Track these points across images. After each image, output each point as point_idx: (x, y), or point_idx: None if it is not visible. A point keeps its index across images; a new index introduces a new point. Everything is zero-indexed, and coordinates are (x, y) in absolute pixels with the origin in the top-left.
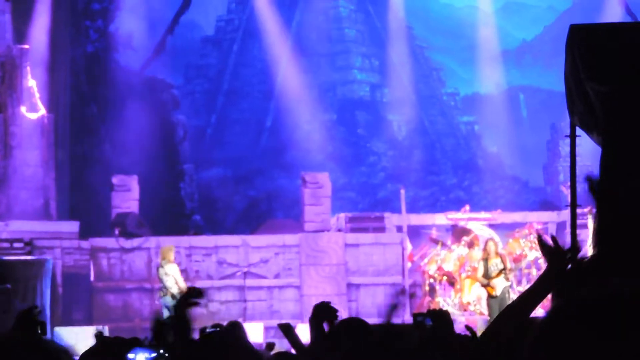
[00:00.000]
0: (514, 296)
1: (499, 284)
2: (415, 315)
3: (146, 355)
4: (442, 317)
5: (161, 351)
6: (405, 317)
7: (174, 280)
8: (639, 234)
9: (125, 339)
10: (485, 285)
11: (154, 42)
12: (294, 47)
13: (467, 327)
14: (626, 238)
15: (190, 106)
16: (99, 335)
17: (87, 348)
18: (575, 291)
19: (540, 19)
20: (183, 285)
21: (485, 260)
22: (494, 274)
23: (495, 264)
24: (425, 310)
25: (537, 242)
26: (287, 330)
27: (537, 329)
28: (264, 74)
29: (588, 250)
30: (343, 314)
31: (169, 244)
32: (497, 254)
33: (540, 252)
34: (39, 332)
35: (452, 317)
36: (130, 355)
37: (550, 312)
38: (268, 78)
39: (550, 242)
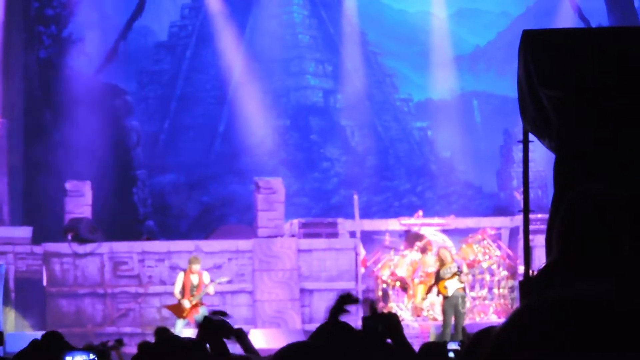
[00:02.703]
0: (467, 302)
1: (452, 285)
2: (364, 319)
3: (84, 357)
4: (391, 320)
5: (91, 355)
6: (358, 322)
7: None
8: (594, 239)
9: (57, 342)
10: (438, 287)
11: (107, 48)
12: (247, 52)
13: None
14: (580, 243)
15: (143, 112)
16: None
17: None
18: (536, 296)
19: (493, 24)
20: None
21: (440, 266)
22: (447, 276)
23: (449, 268)
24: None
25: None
26: (240, 336)
27: (496, 335)
28: (217, 79)
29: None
30: (296, 320)
31: (125, 249)
32: (452, 260)
33: (491, 258)
34: None
35: (405, 322)
36: (67, 358)
37: (511, 317)
38: (221, 84)
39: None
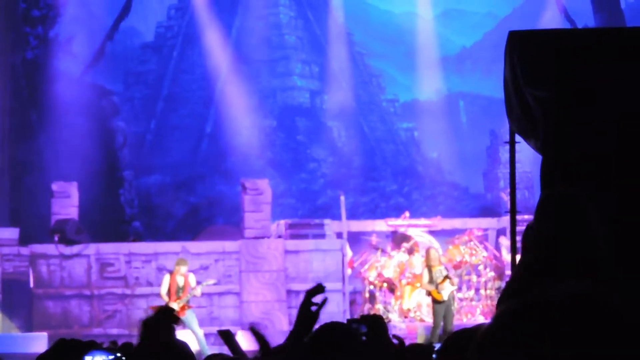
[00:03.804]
0: (455, 303)
1: (446, 289)
2: (349, 322)
3: (104, 357)
4: (376, 323)
5: (118, 354)
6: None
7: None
8: (580, 238)
9: (82, 341)
10: (431, 291)
11: (93, 49)
12: (233, 53)
13: (395, 336)
14: (557, 244)
15: (129, 112)
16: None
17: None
18: (522, 295)
19: (480, 25)
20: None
21: (429, 267)
22: (439, 280)
23: (440, 271)
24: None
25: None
26: (227, 337)
27: (483, 334)
28: (203, 80)
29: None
30: (283, 321)
31: (112, 250)
32: (440, 261)
33: (479, 259)
34: None
35: (393, 323)
36: (87, 358)
37: (498, 316)
38: (208, 84)
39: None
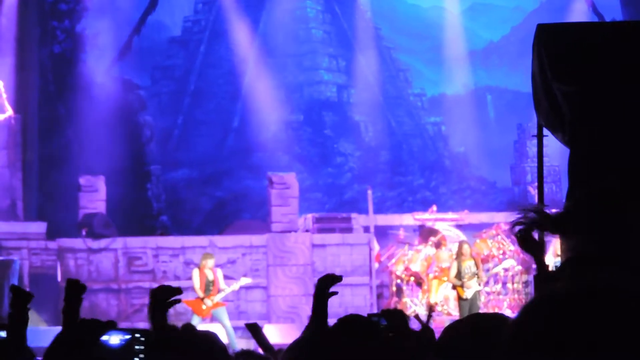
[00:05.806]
0: (482, 297)
1: (472, 288)
2: (369, 316)
3: (120, 337)
4: (396, 316)
5: (136, 335)
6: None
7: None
8: (608, 233)
9: (101, 321)
10: (457, 286)
11: (120, 43)
12: (260, 47)
13: (416, 317)
14: (595, 237)
15: (156, 107)
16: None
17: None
18: (551, 287)
19: (507, 19)
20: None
21: (459, 261)
22: (467, 276)
23: (469, 266)
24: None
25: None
26: (255, 330)
27: (512, 325)
28: (230, 74)
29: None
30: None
31: (139, 244)
32: (471, 256)
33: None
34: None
35: (420, 317)
36: (104, 337)
37: (527, 306)
38: (235, 79)
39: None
